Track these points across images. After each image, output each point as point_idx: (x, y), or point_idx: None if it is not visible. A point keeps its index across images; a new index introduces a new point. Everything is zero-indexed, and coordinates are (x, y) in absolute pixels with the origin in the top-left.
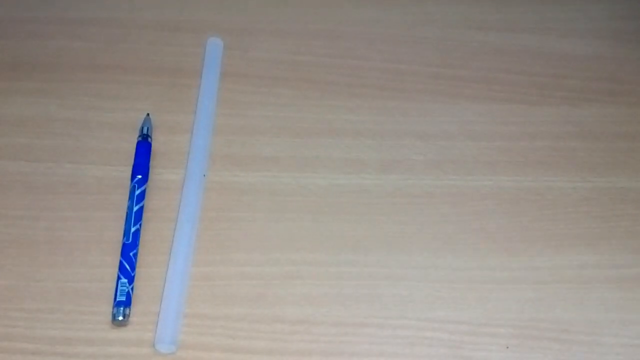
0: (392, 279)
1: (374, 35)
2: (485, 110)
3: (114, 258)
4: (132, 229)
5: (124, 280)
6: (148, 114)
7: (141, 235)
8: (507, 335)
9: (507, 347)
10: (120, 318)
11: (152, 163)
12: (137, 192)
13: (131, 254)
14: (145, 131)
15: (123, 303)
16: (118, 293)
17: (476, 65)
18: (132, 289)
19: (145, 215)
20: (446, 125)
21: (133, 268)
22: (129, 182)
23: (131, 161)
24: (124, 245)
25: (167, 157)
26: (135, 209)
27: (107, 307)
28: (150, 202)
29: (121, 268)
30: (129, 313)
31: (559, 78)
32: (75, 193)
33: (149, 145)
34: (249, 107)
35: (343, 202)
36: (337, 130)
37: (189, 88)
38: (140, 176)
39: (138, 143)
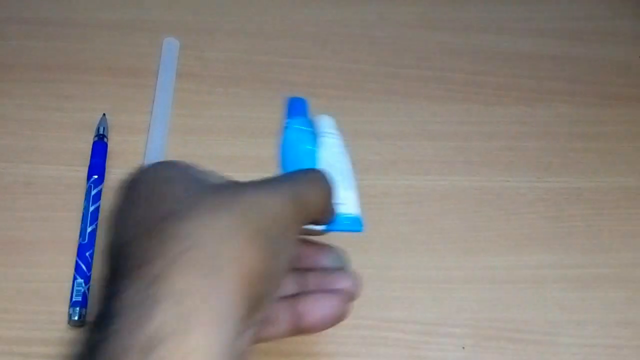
0: None
1: (330, 35)
2: (441, 110)
3: (71, 258)
4: (89, 229)
5: (80, 280)
6: (104, 114)
7: (97, 235)
8: (463, 335)
9: (463, 347)
10: (76, 318)
11: (109, 163)
12: (94, 192)
13: (87, 254)
14: (101, 131)
15: (79, 303)
16: (74, 293)
17: (431, 65)
18: (88, 289)
19: (101, 215)
20: (402, 125)
21: (89, 268)
22: (85, 182)
23: (87, 161)
24: (80, 245)
25: (123, 157)
26: (91, 209)
27: (64, 308)
28: (106, 202)
29: (77, 268)
30: (85, 313)
31: (514, 78)
32: (31, 193)
33: (105, 145)
34: (205, 107)
35: None
36: None
37: (145, 88)
38: (96, 176)
39: (94, 143)
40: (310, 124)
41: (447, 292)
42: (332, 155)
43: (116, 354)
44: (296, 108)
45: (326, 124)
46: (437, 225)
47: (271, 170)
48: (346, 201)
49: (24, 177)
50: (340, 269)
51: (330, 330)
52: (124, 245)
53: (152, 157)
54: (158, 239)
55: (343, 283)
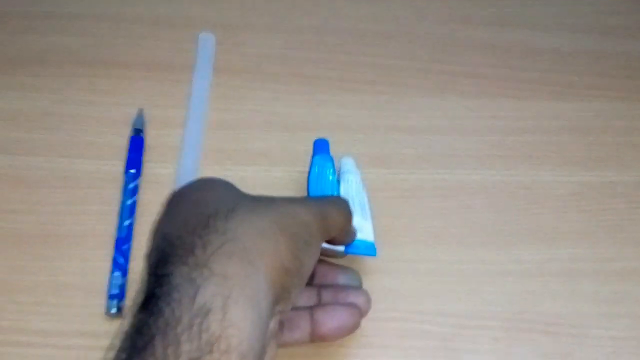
0: (382, 272)
1: (364, 31)
2: (474, 105)
3: (107, 252)
4: (125, 223)
5: (118, 273)
6: (141, 109)
7: (134, 229)
8: (496, 328)
9: (496, 340)
10: (114, 311)
11: (145, 157)
12: (130, 186)
13: (124, 247)
14: (138, 126)
15: (116, 296)
16: (111, 286)
17: (465, 60)
18: (125, 282)
19: (138, 209)
20: (436, 120)
21: (126, 261)
22: (122, 176)
23: (124, 155)
24: (117, 239)
25: (159, 151)
26: (128, 203)
27: (101, 300)
28: (143, 196)
29: (114, 261)
30: (123, 306)
31: (548, 73)
32: (68, 187)
33: (142, 139)
34: (240, 102)
35: None
36: (327, 124)
37: (181, 83)
38: (133, 170)
39: (131, 138)
40: (332, 160)
41: (479, 285)
42: (352, 190)
43: (168, 326)
44: (321, 147)
45: (348, 164)
46: (470, 219)
47: (305, 165)
48: (363, 229)
49: (60, 171)
50: (355, 287)
51: (363, 323)
52: (174, 238)
53: (188, 151)
54: (203, 233)
55: (357, 298)
